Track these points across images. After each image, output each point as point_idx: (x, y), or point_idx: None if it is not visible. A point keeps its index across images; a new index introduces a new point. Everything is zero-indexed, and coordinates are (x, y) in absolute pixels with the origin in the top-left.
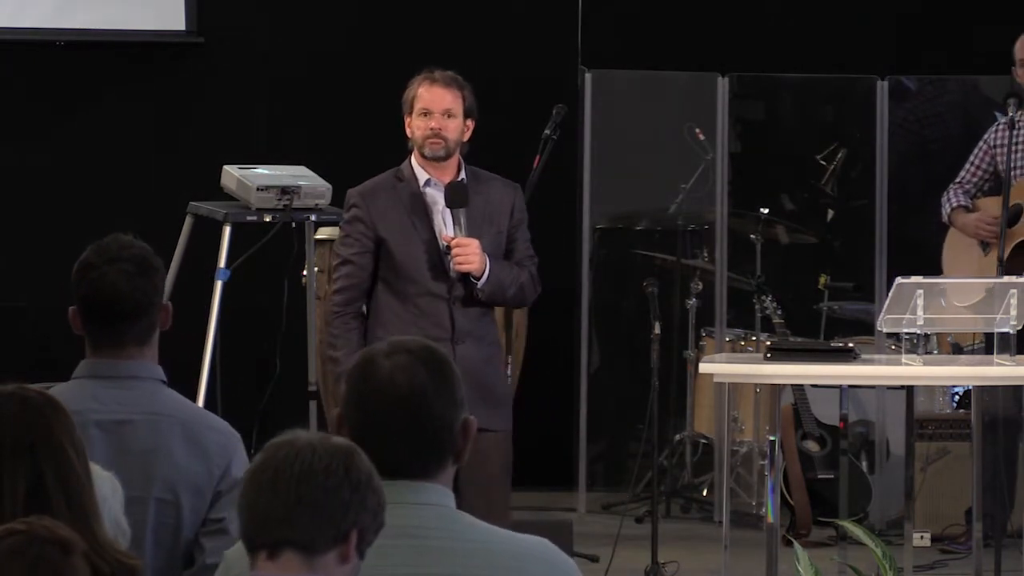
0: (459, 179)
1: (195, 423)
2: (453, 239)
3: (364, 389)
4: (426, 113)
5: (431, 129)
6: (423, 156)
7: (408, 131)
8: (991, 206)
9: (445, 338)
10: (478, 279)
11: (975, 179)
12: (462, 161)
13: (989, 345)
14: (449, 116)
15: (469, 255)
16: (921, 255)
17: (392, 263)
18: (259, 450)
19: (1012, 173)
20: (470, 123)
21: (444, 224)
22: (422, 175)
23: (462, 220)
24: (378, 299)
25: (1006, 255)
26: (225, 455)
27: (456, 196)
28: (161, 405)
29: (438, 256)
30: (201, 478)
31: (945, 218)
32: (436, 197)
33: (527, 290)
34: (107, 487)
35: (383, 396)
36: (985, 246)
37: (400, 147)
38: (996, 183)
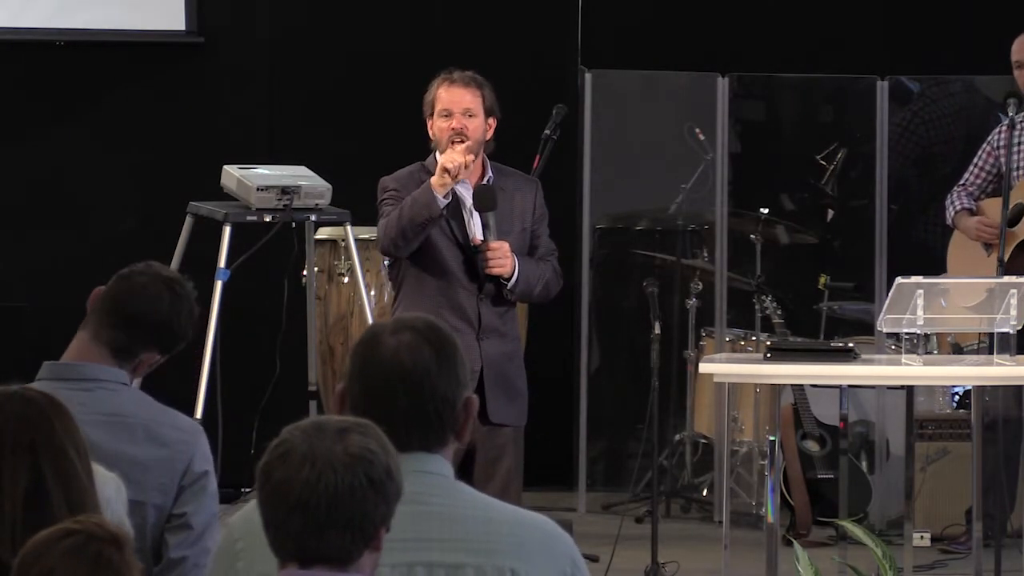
0: (487, 181)
1: (156, 422)
2: (485, 242)
3: (368, 365)
4: (447, 114)
5: (452, 129)
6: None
7: (431, 133)
8: (993, 208)
9: (470, 333)
10: (508, 280)
11: (979, 181)
12: (487, 160)
13: (989, 345)
14: (470, 116)
15: (501, 258)
16: (921, 255)
17: (428, 250)
18: (260, 450)
19: (1013, 174)
20: (492, 121)
21: (473, 224)
22: None
23: (491, 223)
24: (409, 283)
25: (1007, 256)
26: (187, 451)
27: (486, 200)
28: (122, 406)
29: (469, 256)
30: (165, 476)
31: (949, 221)
32: (465, 196)
33: (551, 285)
34: (111, 488)
35: (387, 373)
36: (988, 248)
37: (400, 147)
38: (1000, 185)
